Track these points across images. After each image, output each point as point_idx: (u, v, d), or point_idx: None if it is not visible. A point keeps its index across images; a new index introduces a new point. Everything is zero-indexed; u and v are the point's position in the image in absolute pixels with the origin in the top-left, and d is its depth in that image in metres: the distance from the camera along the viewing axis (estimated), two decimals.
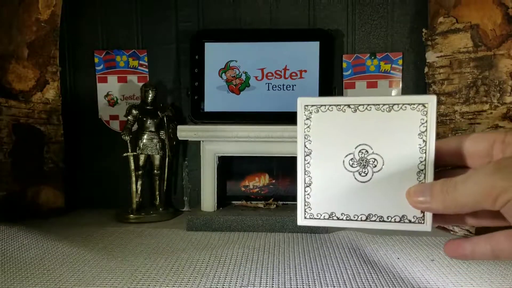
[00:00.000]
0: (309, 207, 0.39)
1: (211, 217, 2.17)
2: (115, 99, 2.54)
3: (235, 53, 2.42)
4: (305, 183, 0.40)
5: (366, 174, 0.38)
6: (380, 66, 2.37)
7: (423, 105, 0.37)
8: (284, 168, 2.51)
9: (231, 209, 2.32)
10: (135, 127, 2.41)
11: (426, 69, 2.27)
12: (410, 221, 0.37)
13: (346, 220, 0.38)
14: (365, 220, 0.38)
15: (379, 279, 1.48)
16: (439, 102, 2.23)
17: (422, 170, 0.36)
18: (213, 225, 2.15)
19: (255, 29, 2.44)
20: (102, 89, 2.54)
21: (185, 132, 2.26)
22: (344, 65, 2.40)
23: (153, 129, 2.40)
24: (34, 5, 2.30)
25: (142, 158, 2.40)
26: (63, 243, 1.91)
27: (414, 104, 0.37)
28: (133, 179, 2.38)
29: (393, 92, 2.39)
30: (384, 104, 0.38)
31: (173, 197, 2.61)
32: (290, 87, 2.40)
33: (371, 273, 1.55)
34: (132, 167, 2.37)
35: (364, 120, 0.38)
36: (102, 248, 1.84)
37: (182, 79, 2.52)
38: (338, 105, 0.39)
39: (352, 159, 0.38)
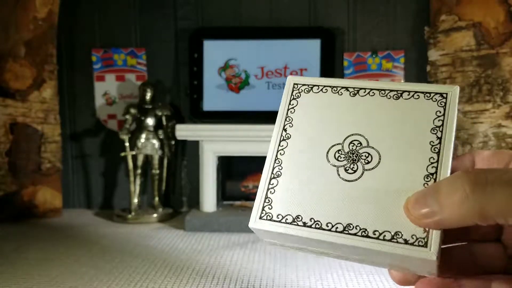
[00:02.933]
0: (270, 204, 0.30)
1: (211, 217, 2.14)
2: (113, 98, 2.51)
3: (235, 51, 2.39)
4: (272, 173, 0.31)
5: (355, 171, 0.29)
6: (382, 64, 2.34)
7: (442, 95, 0.30)
8: None
9: (231, 210, 2.29)
10: (133, 126, 2.38)
11: (428, 68, 2.24)
12: (406, 242, 0.26)
13: (316, 228, 0.27)
14: (341, 232, 0.27)
15: (382, 281, 1.46)
16: None
17: (433, 174, 0.27)
18: (212, 225, 2.12)
19: (255, 27, 2.41)
20: (99, 88, 2.51)
21: (184, 131, 2.23)
22: (345, 63, 2.37)
23: (151, 129, 2.37)
24: (31, 3, 2.27)
25: (140, 157, 2.37)
26: (61, 244, 1.89)
27: (430, 93, 0.30)
28: (131, 179, 2.35)
29: None
30: (391, 90, 0.31)
31: (172, 197, 2.59)
32: None
33: (373, 274, 1.52)
34: (130, 166, 2.34)
35: (364, 106, 0.31)
36: (99, 249, 1.82)
37: (181, 78, 2.50)
38: (334, 86, 0.32)
39: (339, 151, 0.30)
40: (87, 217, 2.42)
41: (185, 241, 1.94)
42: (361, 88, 0.31)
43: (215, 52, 2.40)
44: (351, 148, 0.30)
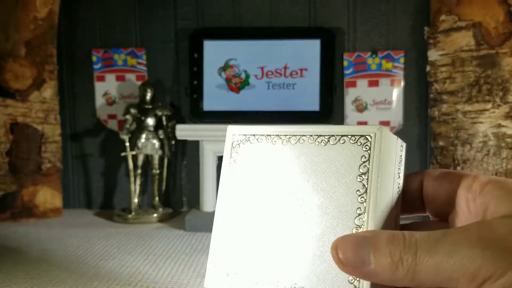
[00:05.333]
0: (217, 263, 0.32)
1: (211, 217, 2.12)
2: (113, 98, 2.51)
3: (235, 51, 2.39)
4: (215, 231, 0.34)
5: (286, 234, 0.28)
6: (382, 65, 2.34)
7: (366, 137, 0.28)
8: None
9: None
10: (133, 126, 2.38)
11: (428, 68, 2.24)
12: None
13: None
14: None
15: None
16: (441, 101, 2.20)
17: (360, 226, 0.26)
18: (212, 225, 2.12)
19: (255, 27, 2.41)
20: (99, 88, 2.51)
21: (184, 131, 2.23)
22: (345, 63, 2.37)
23: (151, 129, 2.37)
24: (31, 3, 2.27)
25: (140, 157, 2.37)
26: (61, 244, 1.89)
27: (354, 136, 0.28)
28: (132, 179, 2.35)
29: (395, 91, 2.36)
30: (319, 136, 0.29)
31: (172, 197, 2.59)
32: (290, 86, 2.37)
33: None
34: (131, 166, 2.34)
35: (295, 156, 0.30)
36: (99, 249, 1.82)
37: (181, 78, 2.49)
38: (268, 135, 0.31)
39: (272, 211, 0.30)
40: (87, 217, 2.42)
41: (185, 241, 1.94)
42: (292, 135, 0.30)
43: (215, 52, 2.40)
44: (281, 200, 0.29)
